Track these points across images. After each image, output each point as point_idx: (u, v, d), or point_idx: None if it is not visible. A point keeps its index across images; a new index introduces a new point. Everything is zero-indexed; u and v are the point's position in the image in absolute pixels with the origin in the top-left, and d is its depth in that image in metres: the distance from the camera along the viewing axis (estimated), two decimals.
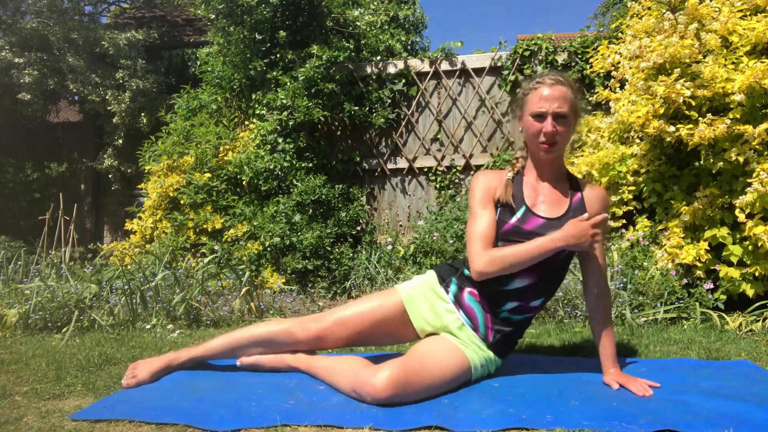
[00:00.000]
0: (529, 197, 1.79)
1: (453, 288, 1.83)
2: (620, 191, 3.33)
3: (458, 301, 1.80)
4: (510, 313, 1.78)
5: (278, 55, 4.82)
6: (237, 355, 1.93)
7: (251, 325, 1.93)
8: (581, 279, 1.90)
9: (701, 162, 2.99)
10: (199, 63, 5.59)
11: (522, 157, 1.88)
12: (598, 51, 3.56)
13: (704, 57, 2.98)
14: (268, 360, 1.91)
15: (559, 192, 1.81)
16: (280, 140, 4.61)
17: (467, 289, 1.80)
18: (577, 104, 1.79)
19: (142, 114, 7.31)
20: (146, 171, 5.14)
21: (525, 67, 4.56)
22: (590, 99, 4.17)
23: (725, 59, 2.95)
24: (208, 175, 4.63)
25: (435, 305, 1.82)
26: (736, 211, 2.80)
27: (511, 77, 4.57)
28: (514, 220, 1.76)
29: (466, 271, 1.82)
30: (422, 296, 1.84)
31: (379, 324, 1.83)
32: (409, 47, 6.77)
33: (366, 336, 1.86)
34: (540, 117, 1.74)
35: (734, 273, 2.82)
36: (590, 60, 3.81)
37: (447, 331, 1.79)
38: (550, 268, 1.76)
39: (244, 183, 4.62)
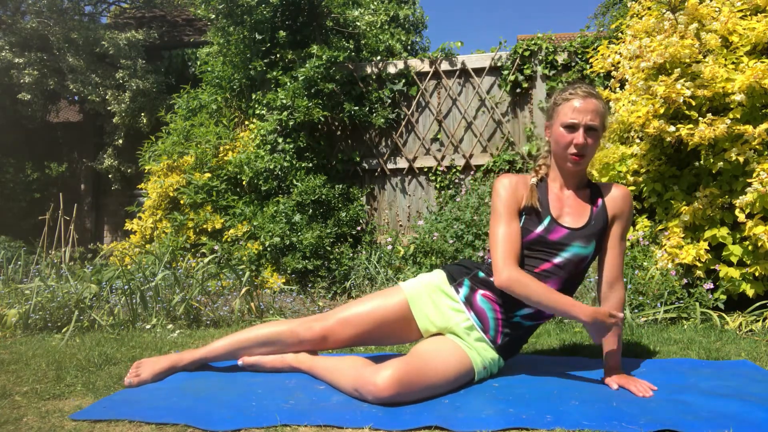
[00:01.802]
0: (554, 208, 1.79)
1: (465, 289, 1.82)
2: None
3: (469, 303, 1.79)
4: (523, 318, 1.79)
5: (278, 55, 4.82)
6: (240, 356, 1.93)
7: (254, 326, 1.93)
8: (595, 277, 1.90)
9: (701, 162, 2.99)
10: (199, 63, 5.59)
11: (545, 165, 1.89)
12: (598, 51, 3.56)
13: (704, 57, 2.97)
14: (269, 360, 1.91)
15: (582, 200, 1.81)
16: (280, 140, 4.61)
17: (480, 291, 1.79)
18: (606, 118, 1.80)
19: (142, 114, 7.31)
20: (146, 171, 5.14)
21: (525, 67, 4.56)
22: None
23: (725, 59, 2.94)
24: (208, 175, 4.63)
25: (440, 304, 1.81)
26: (736, 211, 2.80)
27: (511, 77, 4.57)
28: (539, 229, 1.76)
29: (481, 273, 1.82)
30: (427, 295, 1.83)
31: (382, 323, 1.82)
32: (409, 47, 6.76)
33: (369, 335, 1.85)
34: (572, 128, 1.74)
35: (734, 273, 2.82)
36: (590, 60, 3.81)
37: (451, 332, 1.79)
38: (572, 275, 1.77)
39: (244, 183, 4.62)
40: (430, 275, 1.90)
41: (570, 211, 1.79)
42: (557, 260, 1.75)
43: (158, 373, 1.84)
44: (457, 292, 1.82)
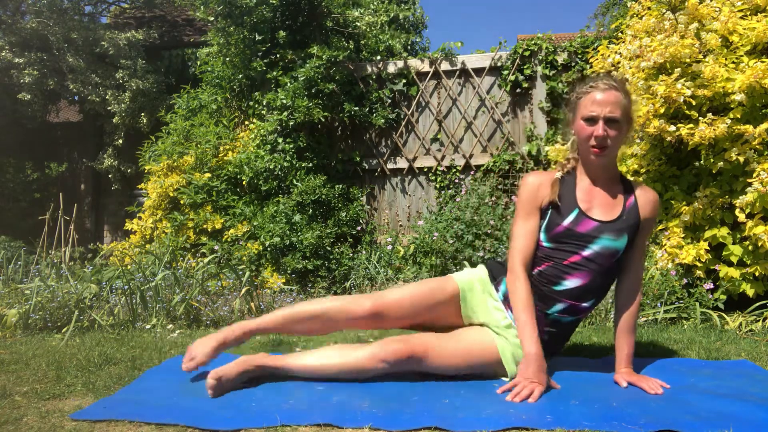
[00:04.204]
0: (582, 200, 1.78)
1: (503, 287, 1.83)
2: None
3: (507, 301, 1.80)
4: (560, 314, 1.79)
5: (278, 55, 4.82)
6: (291, 330, 1.89)
7: (304, 302, 1.89)
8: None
9: (701, 162, 2.99)
10: (199, 63, 5.59)
11: (573, 159, 1.87)
12: (598, 51, 3.56)
13: (704, 57, 2.97)
14: (232, 367, 1.78)
15: (614, 194, 1.81)
16: (280, 140, 4.61)
17: None
18: (631, 110, 1.78)
19: (142, 114, 7.31)
20: (146, 171, 5.14)
21: (525, 67, 4.56)
22: None
23: (726, 59, 2.94)
24: (208, 175, 4.63)
25: (485, 300, 1.84)
26: (736, 211, 2.80)
27: (511, 77, 4.57)
28: (567, 222, 1.76)
29: None
30: (479, 290, 1.86)
31: (433, 307, 1.85)
32: (409, 47, 6.77)
33: (418, 317, 1.86)
34: (591, 121, 1.73)
35: (734, 273, 2.82)
36: (590, 60, 3.81)
37: (489, 327, 1.82)
38: (604, 268, 1.76)
39: (244, 183, 4.61)
40: (477, 271, 1.92)
41: (600, 204, 1.78)
42: (586, 252, 1.74)
43: (209, 353, 1.80)
44: (497, 290, 1.84)
